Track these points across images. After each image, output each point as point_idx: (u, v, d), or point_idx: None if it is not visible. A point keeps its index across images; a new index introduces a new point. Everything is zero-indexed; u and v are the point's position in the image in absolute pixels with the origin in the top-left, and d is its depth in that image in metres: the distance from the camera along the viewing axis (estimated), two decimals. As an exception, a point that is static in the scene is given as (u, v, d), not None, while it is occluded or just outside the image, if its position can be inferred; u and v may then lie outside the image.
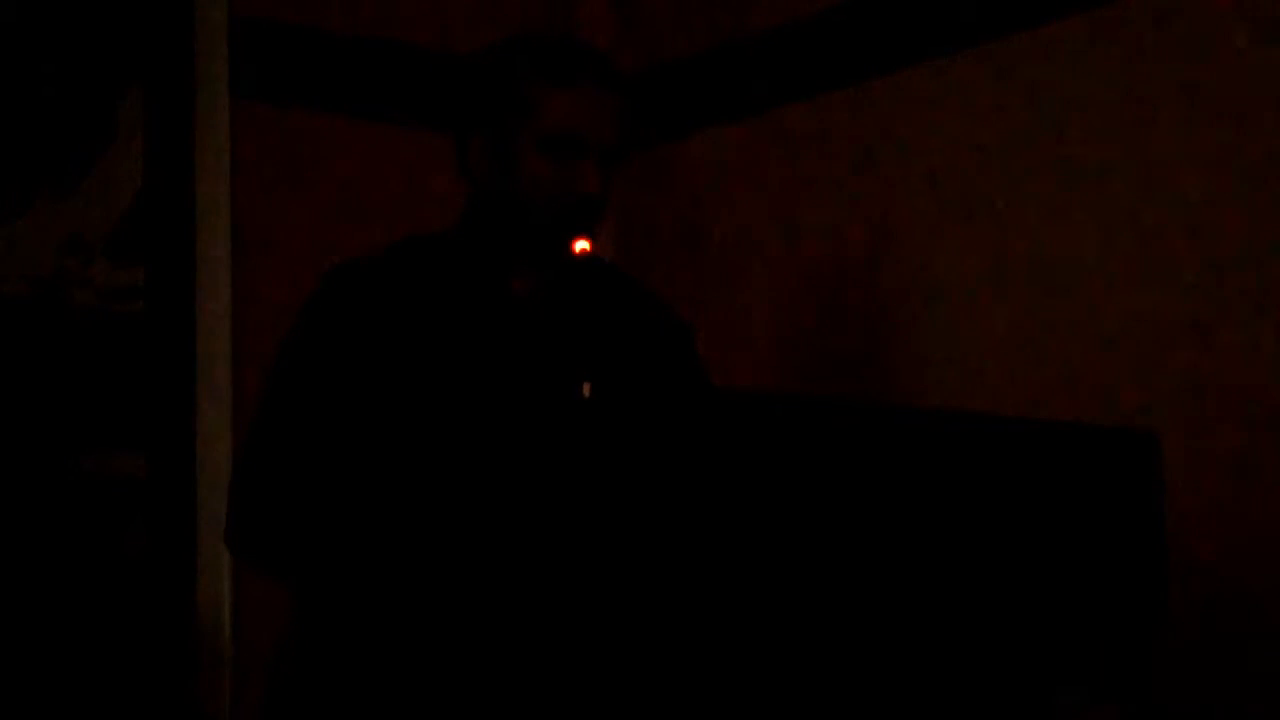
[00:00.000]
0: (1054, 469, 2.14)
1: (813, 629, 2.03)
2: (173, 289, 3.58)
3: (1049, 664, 2.18)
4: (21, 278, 3.50)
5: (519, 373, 2.39)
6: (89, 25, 3.59)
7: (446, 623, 2.29)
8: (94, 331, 3.56)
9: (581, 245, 2.36)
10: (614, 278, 2.57)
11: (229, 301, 3.59)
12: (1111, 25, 3.17)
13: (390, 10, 3.81)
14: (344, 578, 2.34)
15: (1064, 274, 3.23)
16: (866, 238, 3.54)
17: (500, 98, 2.45)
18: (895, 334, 3.48)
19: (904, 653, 2.07)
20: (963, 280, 3.37)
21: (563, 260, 2.41)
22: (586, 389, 2.32)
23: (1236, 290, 2.99)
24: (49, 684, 3.43)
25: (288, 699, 2.37)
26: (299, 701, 2.35)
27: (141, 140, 3.61)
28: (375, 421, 2.37)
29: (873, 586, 2.04)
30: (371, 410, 2.38)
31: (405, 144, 3.78)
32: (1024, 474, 2.12)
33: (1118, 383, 3.12)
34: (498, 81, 2.47)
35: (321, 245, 3.66)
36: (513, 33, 2.56)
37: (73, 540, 3.49)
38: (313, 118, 3.71)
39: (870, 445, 2.05)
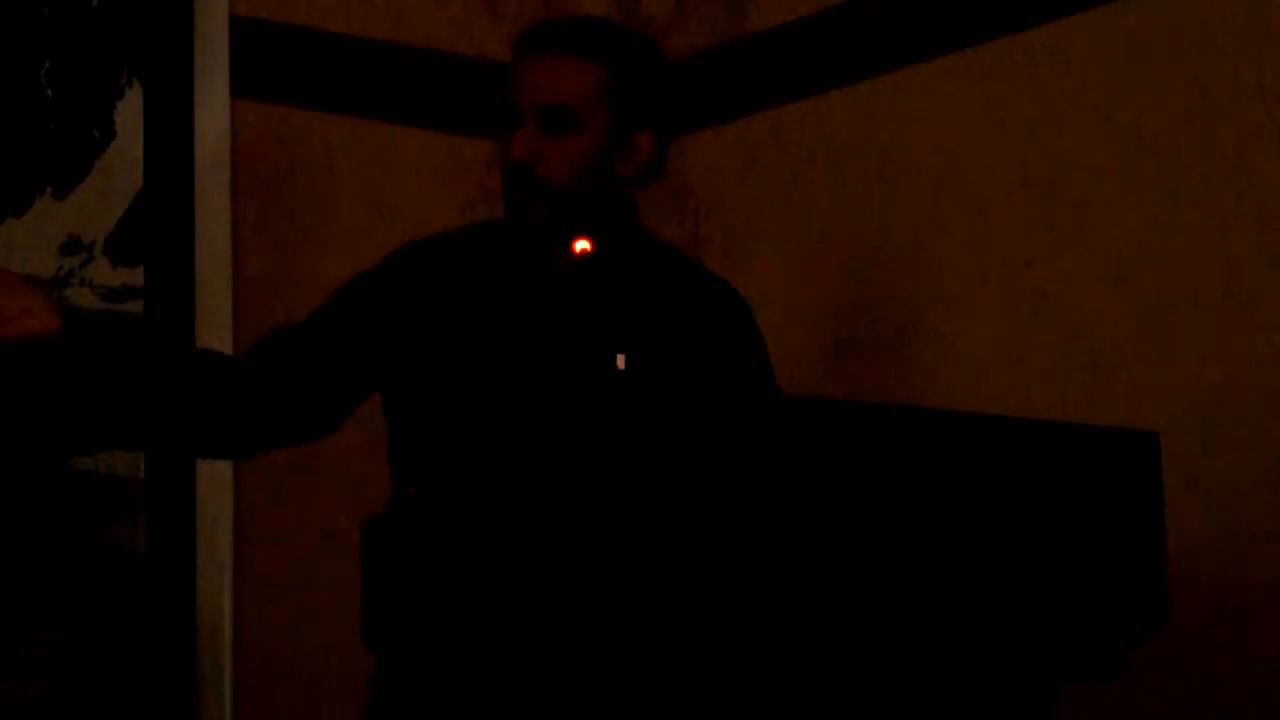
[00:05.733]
0: (1054, 469, 2.14)
1: (816, 625, 2.03)
2: (173, 289, 3.58)
3: (1048, 664, 2.18)
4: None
5: (553, 349, 2.39)
6: (88, 24, 3.59)
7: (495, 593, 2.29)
8: (94, 331, 3.55)
9: (581, 245, 2.32)
10: (665, 253, 2.57)
11: (229, 302, 3.59)
12: (1113, 24, 3.17)
13: (390, 10, 3.81)
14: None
15: (1065, 274, 3.23)
16: (867, 237, 3.54)
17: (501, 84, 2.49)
18: (894, 334, 3.47)
19: (904, 650, 2.07)
20: (963, 280, 3.37)
21: (548, 248, 2.40)
22: (620, 361, 2.29)
23: (1237, 290, 2.99)
24: (49, 684, 3.43)
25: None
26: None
27: (141, 140, 3.61)
28: (417, 404, 2.39)
29: (871, 585, 2.04)
30: (412, 391, 2.40)
31: (405, 144, 3.78)
32: (1023, 474, 2.12)
33: (1117, 383, 3.12)
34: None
35: (321, 245, 3.65)
36: (513, 32, 2.57)
37: (71, 540, 3.49)
38: (312, 117, 3.70)
39: (869, 444, 2.05)
